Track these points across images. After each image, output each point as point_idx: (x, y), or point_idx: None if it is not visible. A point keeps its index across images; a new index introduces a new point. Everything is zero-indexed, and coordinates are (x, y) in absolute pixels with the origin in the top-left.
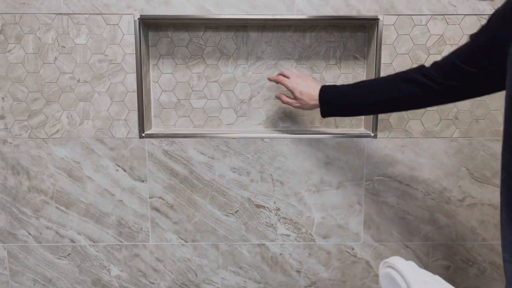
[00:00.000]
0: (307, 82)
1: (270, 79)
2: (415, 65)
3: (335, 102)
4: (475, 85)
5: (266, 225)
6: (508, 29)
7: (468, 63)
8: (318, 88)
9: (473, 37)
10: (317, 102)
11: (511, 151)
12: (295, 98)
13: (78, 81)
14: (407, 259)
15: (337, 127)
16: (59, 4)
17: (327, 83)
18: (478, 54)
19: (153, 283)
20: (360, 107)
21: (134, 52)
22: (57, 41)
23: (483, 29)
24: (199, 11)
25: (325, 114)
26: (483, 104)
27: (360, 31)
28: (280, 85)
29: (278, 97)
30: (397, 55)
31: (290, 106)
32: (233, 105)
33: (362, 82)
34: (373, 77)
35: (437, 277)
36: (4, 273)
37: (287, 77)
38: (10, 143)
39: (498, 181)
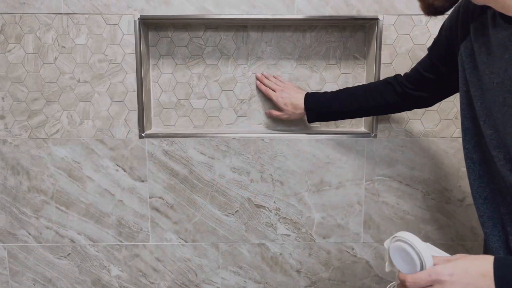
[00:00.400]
0: (290, 94)
1: (259, 87)
2: (414, 65)
3: (319, 109)
4: (438, 89)
5: (266, 225)
6: (455, 40)
7: (429, 71)
8: (302, 98)
9: (429, 49)
10: (302, 111)
11: (469, 141)
12: (281, 110)
13: (78, 81)
14: None
15: (337, 127)
16: (59, 4)
17: (311, 91)
18: (436, 63)
19: (153, 283)
20: (343, 113)
21: (134, 52)
22: (57, 41)
23: (436, 42)
24: (199, 11)
25: (311, 120)
26: None
27: (360, 31)
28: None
29: (268, 113)
30: (397, 55)
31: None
32: (233, 105)
33: (344, 90)
34: (373, 78)
35: (435, 248)
36: (4, 273)
37: (273, 90)
38: (10, 143)
39: None
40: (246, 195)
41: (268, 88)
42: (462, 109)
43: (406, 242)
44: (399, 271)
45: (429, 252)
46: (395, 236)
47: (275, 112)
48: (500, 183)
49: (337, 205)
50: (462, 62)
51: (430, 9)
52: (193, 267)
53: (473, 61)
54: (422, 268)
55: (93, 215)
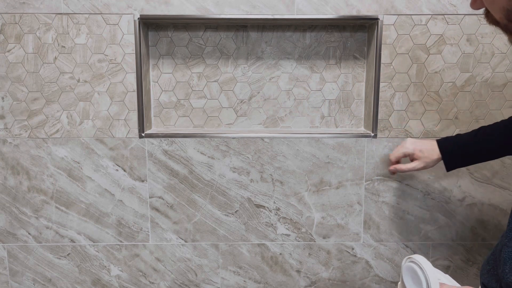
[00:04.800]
0: (422, 141)
1: (392, 161)
2: (415, 65)
3: (457, 151)
4: None
5: (266, 225)
6: None
7: None
8: (434, 143)
9: None
10: (439, 155)
11: None
12: (416, 159)
13: (78, 81)
14: None
15: (337, 127)
16: (59, 4)
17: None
18: None
19: (153, 283)
20: (483, 154)
21: (134, 52)
22: (57, 41)
23: None
24: (199, 11)
25: (450, 166)
26: (483, 104)
27: (360, 31)
28: None
29: (393, 170)
30: (397, 55)
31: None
32: (233, 105)
33: (480, 129)
34: (373, 77)
35: (447, 276)
36: (4, 273)
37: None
38: (10, 143)
39: (498, 181)
40: (246, 195)
41: (399, 157)
42: None
43: (417, 264)
44: None
45: (436, 277)
46: (410, 257)
47: (405, 166)
48: None
49: (337, 205)
50: None
51: None
52: (193, 267)
53: None
54: None
55: (93, 215)
